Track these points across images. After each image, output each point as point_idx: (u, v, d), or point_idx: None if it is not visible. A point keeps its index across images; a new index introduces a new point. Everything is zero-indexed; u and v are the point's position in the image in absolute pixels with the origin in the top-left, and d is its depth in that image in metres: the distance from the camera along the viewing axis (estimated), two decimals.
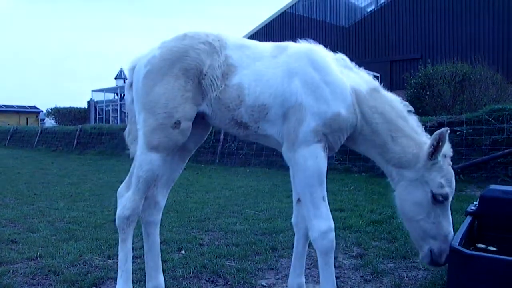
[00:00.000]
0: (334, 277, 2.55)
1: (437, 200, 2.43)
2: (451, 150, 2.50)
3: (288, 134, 2.46)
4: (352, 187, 8.01)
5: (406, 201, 2.55)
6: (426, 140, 2.52)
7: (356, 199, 6.83)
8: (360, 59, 24.23)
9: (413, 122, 2.57)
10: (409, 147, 2.49)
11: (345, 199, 6.82)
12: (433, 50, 21.93)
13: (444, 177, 2.44)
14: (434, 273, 3.58)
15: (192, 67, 2.48)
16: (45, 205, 6.74)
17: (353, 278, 3.55)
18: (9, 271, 3.67)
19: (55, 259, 3.96)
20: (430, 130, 8.69)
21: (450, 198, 2.47)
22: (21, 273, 3.63)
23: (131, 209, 2.60)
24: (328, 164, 9.27)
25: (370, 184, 8.35)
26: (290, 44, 2.68)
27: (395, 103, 2.60)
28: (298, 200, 2.77)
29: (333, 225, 2.55)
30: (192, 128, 2.60)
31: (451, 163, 2.50)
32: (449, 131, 2.37)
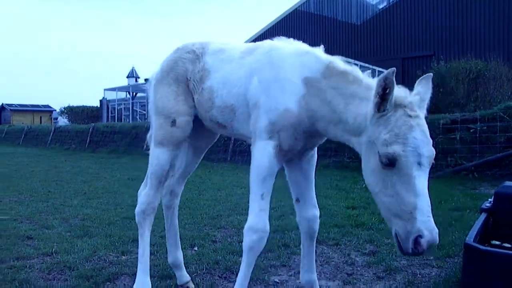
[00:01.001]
0: (247, 279, 2.43)
1: (383, 163, 1.93)
2: (410, 95, 2.05)
3: (252, 132, 2.52)
4: (364, 185, 7.95)
5: (364, 172, 2.14)
6: None
7: (368, 197, 6.79)
8: (372, 56, 24.10)
9: (368, 81, 2.27)
10: (361, 109, 2.15)
11: (357, 197, 6.80)
12: (446, 47, 21.72)
13: (391, 132, 1.91)
14: (447, 271, 3.56)
15: (180, 74, 2.84)
16: (59, 202, 6.82)
17: (365, 275, 3.55)
18: (26, 266, 3.73)
19: (70, 255, 4.02)
20: (442, 128, 8.65)
21: (410, 160, 1.87)
22: (37, 268, 3.70)
23: (146, 203, 2.90)
24: (340, 162, 9.22)
25: None
26: (260, 44, 2.69)
27: (347, 70, 2.35)
28: (297, 200, 2.82)
29: (262, 227, 2.36)
30: (203, 129, 2.96)
31: (414, 112, 1.97)
32: (395, 71, 1.90)
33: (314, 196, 2.86)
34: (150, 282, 2.88)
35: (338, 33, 26.46)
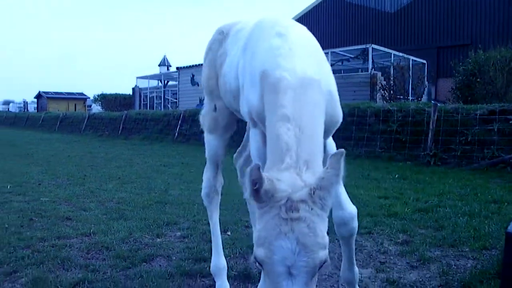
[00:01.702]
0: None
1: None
2: (297, 186, 1.56)
3: None
4: (396, 175, 7.86)
5: None
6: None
7: (400, 187, 6.71)
8: (406, 45, 23.55)
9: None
10: None
11: (389, 187, 6.71)
12: (484, 36, 20.98)
13: (260, 232, 1.55)
14: (484, 263, 3.49)
15: (212, 57, 2.74)
16: (94, 186, 7.03)
17: (399, 264, 3.52)
18: (66, 245, 3.89)
19: (107, 236, 4.15)
20: (480, 119, 8.40)
21: (276, 269, 1.49)
22: (77, 248, 3.84)
23: (208, 187, 3.06)
24: (372, 152, 9.12)
25: (415, 173, 8.17)
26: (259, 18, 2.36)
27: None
28: None
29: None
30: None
31: (291, 213, 1.51)
32: (259, 166, 1.49)
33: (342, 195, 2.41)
34: (224, 262, 2.95)
35: (370, 21, 25.94)
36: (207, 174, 3.06)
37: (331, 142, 2.36)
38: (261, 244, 1.56)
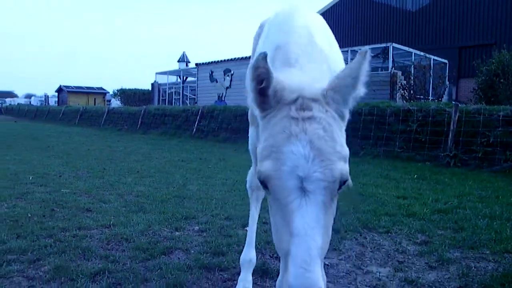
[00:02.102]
0: None
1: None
2: (311, 84, 1.39)
3: None
4: (415, 176, 7.77)
5: None
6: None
7: (419, 188, 6.64)
8: (427, 45, 23.22)
9: None
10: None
11: (408, 187, 6.65)
12: (510, 35, 20.53)
13: (266, 142, 1.36)
14: (506, 266, 3.43)
15: (252, 51, 2.74)
16: (114, 179, 7.12)
17: (417, 264, 3.49)
18: (87, 235, 3.96)
19: (127, 228, 4.21)
20: (503, 120, 8.22)
21: (285, 184, 1.26)
22: (97, 238, 3.91)
23: (248, 180, 2.97)
24: (391, 151, 9.01)
25: (435, 174, 8.07)
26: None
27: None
28: None
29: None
30: None
31: (303, 112, 1.32)
32: (266, 55, 1.29)
33: None
34: (254, 256, 2.94)
35: (391, 19, 25.65)
36: (251, 168, 2.99)
37: None
38: (267, 155, 1.31)
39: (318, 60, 1.73)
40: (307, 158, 1.26)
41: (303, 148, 1.26)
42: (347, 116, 1.42)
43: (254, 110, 1.46)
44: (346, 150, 1.32)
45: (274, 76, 1.33)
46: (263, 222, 4.57)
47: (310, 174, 1.25)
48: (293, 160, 1.26)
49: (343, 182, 1.30)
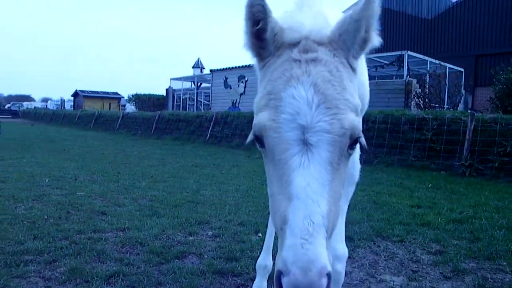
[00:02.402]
0: None
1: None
2: (316, 25, 1.21)
3: None
4: (429, 185, 7.70)
5: None
6: None
7: (434, 197, 6.57)
8: (443, 53, 23.04)
9: None
10: None
11: (422, 196, 6.59)
12: None
13: (264, 90, 1.20)
14: None
15: None
16: (128, 183, 7.19)
17: (431, 274, 3.45)
18: (102, 238, 4.01)
19: (141, 232, 4.25)
20: None
21: (283, 136, 1.09)
22: (112, 241, 3.95)
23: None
24: (405, 160, 8.91)
25: (449, 183, 7.98)
26: None
27: None
28: None
29: None
30: None
31: (306, 54, 1.17)
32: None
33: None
34: (271, 262, 2.91)
35: (407, 27, 25.54)
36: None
37: (355, 162, 2.01)
38: (264, 104, 1.12)
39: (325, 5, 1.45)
40: (310, 104, 1.05)
41: (306, 91, 1.07)
42: (358, 71, 1.23)
43: (251, 59, 1.27)
44: (357, 102, 1.13)
45: (272, 16, 1.14)
46: None
47: (314, 124, 1.04)
48: (293, 106, 1.06)
49: (354, 140, 1.09)
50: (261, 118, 1.10)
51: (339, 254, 2.01)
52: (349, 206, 2.12)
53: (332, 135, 1.04)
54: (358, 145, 1.81)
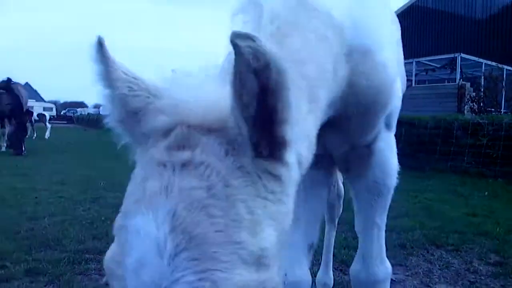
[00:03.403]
0: None
1: None
2: None
3: None
4: (486, 193, 7.38)
5: None
6: None
7: (491, 205, 6.30)
8: (498, 54, 22.07)
9: None
10: None
11: (478, 204, 6.33)
12: None
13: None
14: None
15: None
16: None
17: (491, 286, 3.32)
18: None
19: None
20: None
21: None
22: None
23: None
24: (458, 166, 8.61)
25: (508, 192, 7.61)
26: None
27: None
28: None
29: None
30: None
31: None
32: None
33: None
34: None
35: (459, 28, 24.66)
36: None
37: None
38: (117, 227, 0.78)
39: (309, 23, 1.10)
40: (161, 250, 0.65)
41: (157, 226, 0.66)
42: (292, 174, 0.78)
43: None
44: (266, 242, 0.69)
45: (124, 72, 0.76)
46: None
47: (168, 286, 0.64)
48: (138, 249, 0.67)
49: None
50: (107, 254, 0.75)
51: (380, 278, 1.77)
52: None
53: None
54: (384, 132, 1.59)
